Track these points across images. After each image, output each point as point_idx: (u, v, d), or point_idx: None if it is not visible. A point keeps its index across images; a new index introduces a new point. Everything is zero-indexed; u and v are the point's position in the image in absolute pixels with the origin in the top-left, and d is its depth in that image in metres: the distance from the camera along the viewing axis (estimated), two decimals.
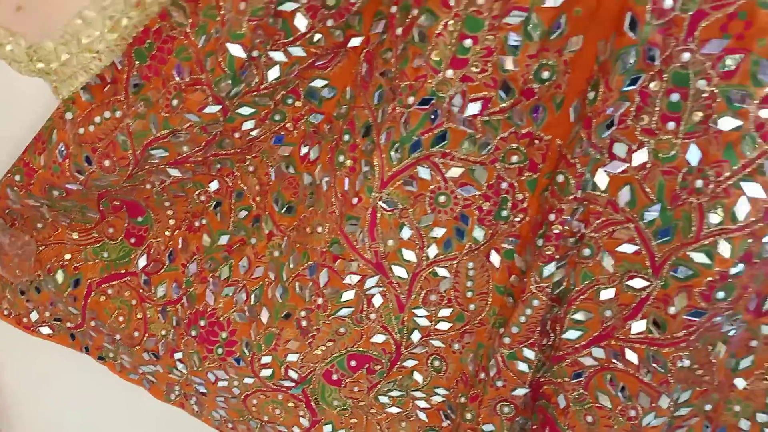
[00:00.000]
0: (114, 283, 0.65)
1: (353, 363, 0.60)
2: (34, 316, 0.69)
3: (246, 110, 0.53)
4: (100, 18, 0.47)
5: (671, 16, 0.40)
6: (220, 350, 0.62)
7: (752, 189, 0.42)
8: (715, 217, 0.43)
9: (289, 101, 0.54)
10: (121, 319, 0.66)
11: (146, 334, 0.65)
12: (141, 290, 0.64)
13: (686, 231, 0.44)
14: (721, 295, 0.45)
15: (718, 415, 0.53)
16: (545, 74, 0.45)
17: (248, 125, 0.54)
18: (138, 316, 0.65)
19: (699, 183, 0.43)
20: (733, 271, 0.44)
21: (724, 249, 0.43)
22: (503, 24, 0.44)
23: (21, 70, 0.50)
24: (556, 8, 0.43)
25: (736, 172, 0.42)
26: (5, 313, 0.68)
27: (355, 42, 0.51)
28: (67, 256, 0.65)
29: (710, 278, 0.45)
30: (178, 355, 0.64)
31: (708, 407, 0.53)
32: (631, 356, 0.50)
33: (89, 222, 0.64)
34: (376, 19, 0.50)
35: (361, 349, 0.59)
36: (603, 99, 0.43)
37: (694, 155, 0.43)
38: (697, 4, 0.39)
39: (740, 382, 0.51)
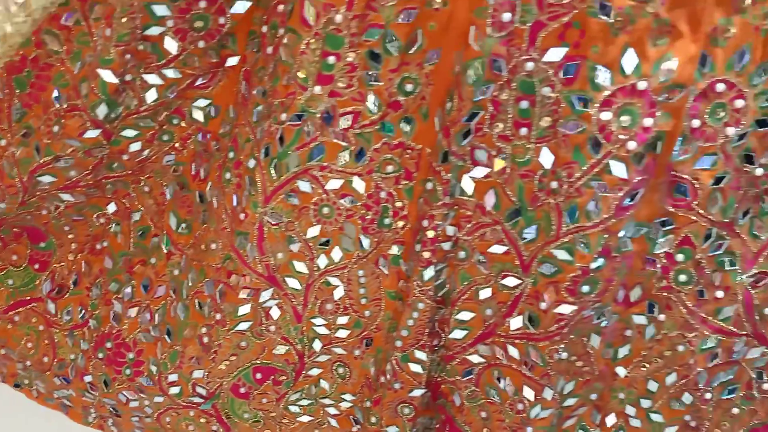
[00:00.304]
0: (20, 309, 0.65)
1: (258, 375, 0.61)
2: None
3: (130, 132, 0.53)
4: None
5: (512, 28, 0.42)
6: (128, 371, 0.63)
7: (601, 187, 0.44)
8: (571, 216, 0.45)
9: (175, 121, 0.55)
10: (29, 345, 0.66)
11: (55, 359, 0.65)
12: (48, 315, 0.64)
13: (548, 230, 0.46)
14: (586, 289, 0.47)
15: (605, 403, 0.56)
16: (409, 87, 0.47)
17: (135, 147, 0.55)
18: (46, 341, 0.65)
19: (554, 184, 0.45)
20: (593, 265, 0.46)
21: (582, 245, 0.46)
22: (362, 41, 0.45)
23: None
24: (410, 24, 0.45)
25: (585, 173, 0.44)
26: None
27: (232, 61, 0.52)
28: None
29: (573, 274, 0.47)
30: (88, 378, 0.65)
31: (594, 396, 0.55)
32: (513, 352, 0.52)
33: None
34: (250, 39, 0.51)
35: (264, 361, 0.60)
36: (458, 109, 0.45)
37: (546, 158, 0.45)
38: (534, 15, 0.41)
39: (621, 371, 0.54)
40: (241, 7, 0.48)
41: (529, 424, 0.54)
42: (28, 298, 0.64)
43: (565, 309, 0.48)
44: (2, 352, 0.67)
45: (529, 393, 0.52)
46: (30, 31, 0.46)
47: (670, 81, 0.41)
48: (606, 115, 0.42)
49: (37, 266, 0.64)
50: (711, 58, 0.42)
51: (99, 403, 0.67)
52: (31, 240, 0.63)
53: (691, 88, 0.42)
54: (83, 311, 0.63)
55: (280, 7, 0.47)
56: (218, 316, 0.57)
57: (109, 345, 0.63)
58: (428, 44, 0.46)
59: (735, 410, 0.55)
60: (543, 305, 0.49)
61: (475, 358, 0.54)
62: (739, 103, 0.43)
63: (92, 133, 0.50)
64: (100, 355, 0.63)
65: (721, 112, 0.43)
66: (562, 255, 0.46)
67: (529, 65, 0.42)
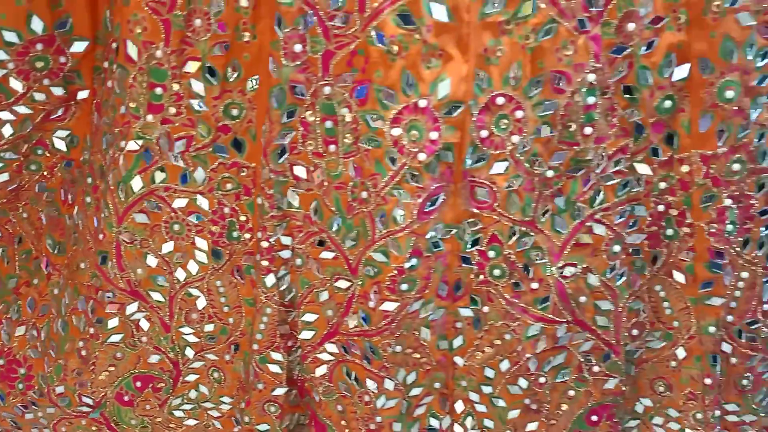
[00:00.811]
0: None
1: (138, 383, 0.64)
2: None
3: None
4: None
5: (305, 57, 0.46)
6: (20, 385, 0.66)
7: (403, 195, 0.48)
8: (381, 223, 0.49)
9: (39, 152, 0.59)
10: None
11: None
12: None
13: (365, 235, 0.51)
14: (405, 286, 0.52)
15: (451, 390, 0.60)
16: (234, 111, 0.51)
17: (4, 177, 0.59)
18: None
19: (364, 194, 0.49)
20: (407, 265, 0.51)
21: (395, 248, 0.50)
22: (184, 73, 0.49)
23: None
24: (225, 56, 0.49)
25: (387, 183, 0.48)
26: None
27: (83, 95, 0.56)
28: None
29: (391, 273, 0.51)
30: None
31: (437, 385, 0.59)
32: (355, 348, 0.56)
33: None
34: (95, 73, 0.55)
35: (141, 370, 0.63)
36: (270, 130, 0.49)
37: (354, 171, 0.49)
38: (323, 45, 0.46)
39: (459, 360, 0.58)
40: (79, 47, 0.52)
41: (378, 413, 0.58)
42: None
43: (389, 306, 0.52)
44: None
45: (372, 385, 0.56)
46: None
47: (447, 98, 0.46)
48: (396, 131, 0.46)
49: None
50: (488, 75, 0.46)
51: (0, 418, 0.70)
52: None
53: (470, 103, 0.47)
54: None
55: (113, 45, 0.51)
56: (92, 330, 0.61)
57: (1, 362, 0.66)
58: (246, 73, 0.50)
59: (571, 392, 0.60)
60: (371, 304, 0.53)
61: (325, 356, 0.58)
62: (519, 114, 0.47)
63: None
64: None
65: (505, 122, 0.48)
66: (379, 257, 0.51)
67: (327, 89, 0.47)
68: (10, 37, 0.49)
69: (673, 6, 0.45)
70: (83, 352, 0.63)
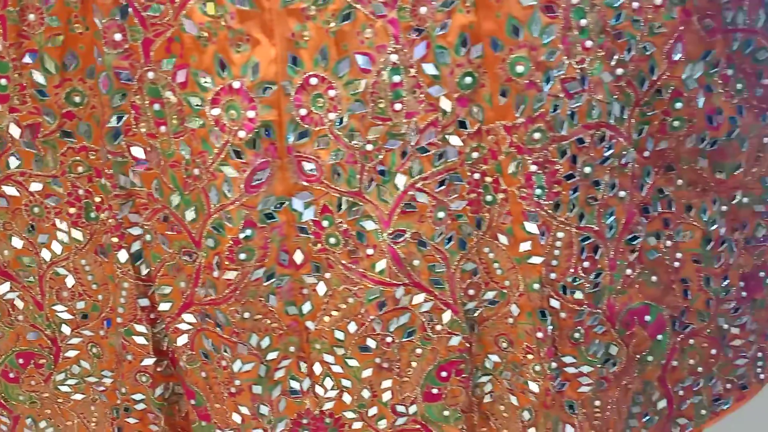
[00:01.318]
0: None
1: (21, 360, 0.67)
2: None
3: None
4: None
5: (126, 45, 0.50)
6: None
7: (229, 171, 0.52)
8: (214, 197, 0.53)
9: None
10: None
11: None
12: None
13: (202, 210, 0.54)
14: (243, 256, 0.56)
15: (307, 354, 0.64)
16: (77, 99, 0.54)
17: None
18: None
19: (196, 171, 0.53)
20: (242, 236, 0.55)
21: (228, 220, 0.54)
22: (24, 64, 0.53)
23: None
24: (61, 48, 0.52)
25: (214, 159, 0.52)
26: None
27: None
28: None
29: (228, 244, 0.55)
30: None
31: (293, 348, 0.63)
32: (209, 316, 0.60)
33: None
34: None
35: (22, 347, 0.66)
36: (102, 114, 0.52)
37: (185, 150, 0.53)
38: (142, 34, 0.49)
39: (310, 324, 0.62)
40: None
41: (236, 377, 0.62)
42: None
43: (231, 275, 0.56)
44: None
45: (227, 350, 0.60)
46: None
47: (259, 79, 0.49)
48: (216, 111, 0.50)
49: None
50: (300, 58, 0.50)
51: None
52: None
53: (285, 84, 0.50)
54: None
55: None
56: None
57: None
58: (83, 63, 0.53)
59: (418, 350, 0.64)
60: (215, 274, 0.57)
61: (184, 326, 0.61)
62: (332, 93, 0.51)
63: None
64: None
65: (321, 100, 0.52)
66: (223, 227, 0.54)
67: (150, 74, 0.50)
68: None
69: None
70: None
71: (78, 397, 0.71)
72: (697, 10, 0.55)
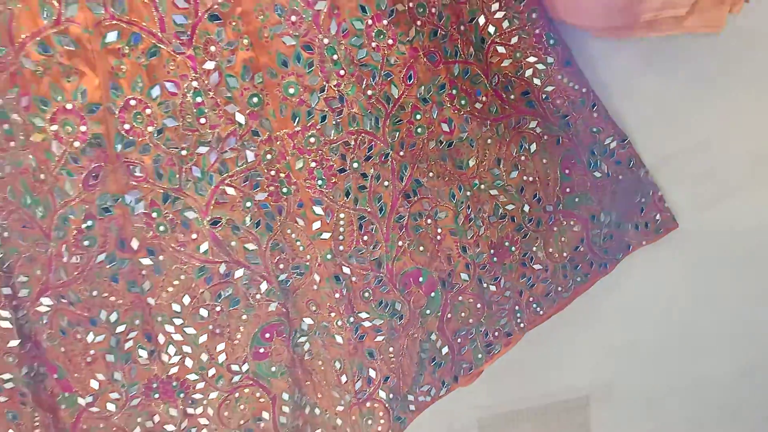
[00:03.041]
0: None
1: None
2: None
3: None
4: None
5: None
6: None
7: (68, 174, 0.63)
8: (58, 196, 0.63)
9: None
10: None
11: None
12: None
13: (48, 206, 0.64)
14: (86, 243, 0.66)
15: (151, 326, 0.74)
16: None
17: None
18: None
19: (42, 176, 0.63)
20: (84, 226, 0.65)
21: (72, 213, 0.64)
22: None
23: None
24: None
25: (57, 165, 0.62)
26: None
27: None
28: None
29: (74, 233, 0.65)
30: None
31: (137, 322, 0.73)
32: (64, 297, 0.69)
33: None
34: None
35: None
36: None
37: (32, 160, 0.63)
38: None
39: (151, 300, 0.72)
40: None
41: (91, 347, 0.71)
42: None
43: (76, 259, 0.66)
44: None
45: (80, 327, 0.69)
46: None
47: (87, 101, 0.61)
48: (54, 127, 0.61)
49: None
50: (120, 85, 0.62)
51: None
52: None
53: (109, 105, 0.62)
54: None
55: None
56: None
57: None
58: None
59: (244, 317, 0.76)
60: (65, 259, 0.66)
61: (42, 308, 0.70)
62: (148, 111, 0.63)
63: None
64: None
65: (140, 117, 0.64)
66: (68, 220, 0.64)
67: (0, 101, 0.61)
68: None
69: (238, 35, 0.64)
70: None
71: None
72: (422, 48, 0.72)
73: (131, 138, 0.65)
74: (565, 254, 0.91)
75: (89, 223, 0.65)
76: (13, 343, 0.72)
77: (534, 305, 0.91)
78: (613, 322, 1.07)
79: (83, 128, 0.62)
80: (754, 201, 0.99)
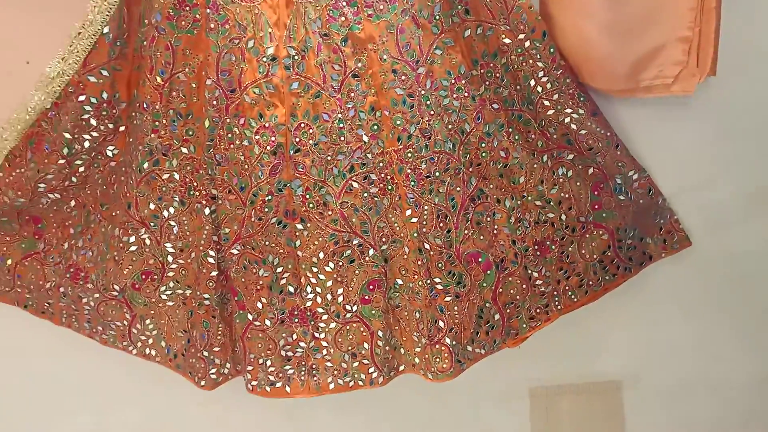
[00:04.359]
0: (28, 258, 1.17)
1: (143, 276, 1.13)
2: None
3: (78, 162, 1.08)
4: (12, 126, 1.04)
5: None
6: (80, 282, 1.15)
7: (263, 166, 1.01)
8: (254, 178, 1.02)
9: (99, 156, 1.10)
10: (32, 276, 1.17)
11: (45, 282, 1.17)
12: (41, 260, 1.16)
13: (248, 184, 1.03)
14: (266, 209, 1.04)
15: (298, 270, 1.10)
16: None
17: (81, 170, 1.10)
18: (40, 273, 1.17)
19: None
20: (266, 199, 1.03)
21: (260, 190, 1.02)
22: None
23: None
24: None
25: (256, 159, 1.01)
26: None
27: (122, 128, 1.09)
28: (4, 248, 1.17)
29: (260, 203, 1.03)
30: (62, 289, 1.17)
31: (290, 266, 1.09)
32: (248, 244, 1.07)
33: (14, 230, 1.17)
34: (128, 120, 1.08)
35: (144, 268, 1.13)
36: None
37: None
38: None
39: (300, 253, 1.09)
40: (122, 106, 1.06)
41: (260, 279, 1.08)
42: (32, 252, 1.17)
43: (258, 220, 1.04)
44: (18, 283, 1.19)
45: (255, 265, 1.07)
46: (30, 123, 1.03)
47: (277, 122, 1.00)
48: (257, 137, 1.00)
49: (36, 236, 1.17)
50: (296, 114, 1.00)
51: (67, 306, 1.18)
52: (33, 222, 1.16)
53: (289, 125, 1.00)
54: (59, 257, 1.16)
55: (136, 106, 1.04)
56: (121, 245, 1.11)
57: (72, 270, 1.15)
58: None
59: (356, 271, 1.08)
60: (252, 219, 1.04)
61: (234, 251, 1.07)
62: (310, 131, 1.01)
63: (62, 161, 1.06)
64: (68, 275, 1.16)
65: (305, 134, 1.01)
66: (257, 194, 1.03)
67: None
68: (94, 99, 1.03)
69: (368, 87, 1.00)
70: (116, 258, 1.12)
71: (170, 303, 1.15)
72: (488, 99, 1.05)
73: (299, 147, 1.02)
74: (595, 256, 1.16)
75: (269, 198, 1.03)
76: (214, 273, 1.10)
77: (569, 293, 1.16)
78: (642, 318, 1.31)
79: (273, 139, 1.00)
80: (757, 227, 1.21)
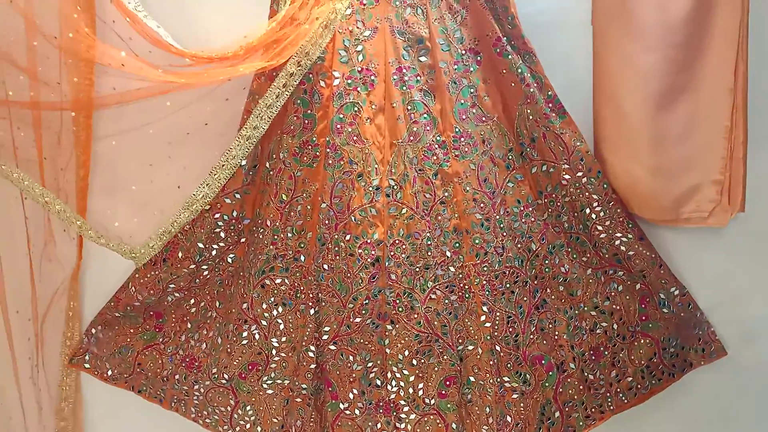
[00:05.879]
0: (149, 349, 1.32)
1: (250, 367, 1.27)
2: (109, 372, 1.34)
3: (205, 267, 1.27)
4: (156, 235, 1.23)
5: None
6: (195, 371, 1.29)
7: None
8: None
9: (214, 264, 1.28)
10: (151, 365, 1.32)
11: (161, 371, 1.32)
12: (160, 351, 1.32)
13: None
14: (364, 311, 1.19)
15: (385, 366, 1.23)
16: None
17: (206, 273, 1.28)
18: (159, 362, 1.32)
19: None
20: (364, 302, 1.18)
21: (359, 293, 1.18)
22: None
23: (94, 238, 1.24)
24: None
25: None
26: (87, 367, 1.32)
27: (242, 239, 1.27)
28: (128, 340, 1.33)
29: (359, 306, 1.18)
30: (177, 377, 1.30)
31: (379, 362, 1.23)
32: (344, 341, 1.21)
33: (138, 323, 1.33)
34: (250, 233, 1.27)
35: (251, 359, 1.27)
36: None
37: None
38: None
39: (388, 351, 1.23)
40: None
41: (354, 373, 1.21)
42: (153, 343, 1.32)
43: (357, 320, 1.19)
44: (138, 370, 1.33)
45: (350, 359, 1.21)
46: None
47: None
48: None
49: (157, 329, 1.32)
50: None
51: (178, 392, 1.32)
52: (155, 317, 1.32)
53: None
54: (176, 348, 1.31)
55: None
56: (234, 339, 1.26)
57: (188, 359, 1.30)
58: None
59: (435, 368, 1.22)
60: (351, 319, 1.19)
61: (331, 347, 1.22)
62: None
63: (192, 266, 1.24)
64: (183, 364, 1.30)
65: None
66: (357, 298, 1.18)
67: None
68: (226, 216, 1.22)
69: (453, 212, 1.18)
70: (229, 350, 1.27)
71: (270, 391, 1.28)
72: (551, 224, 1.22)
73: (393, 260, 1.19)
74: (642, 362, 1.27)
75: (366, 302, 1.18)
76: (312, 366, 1.24)
77: (620, 395, 1.27)
78: (685, 422, 1.39)
79: (372, 252, 1.17)
80: None
